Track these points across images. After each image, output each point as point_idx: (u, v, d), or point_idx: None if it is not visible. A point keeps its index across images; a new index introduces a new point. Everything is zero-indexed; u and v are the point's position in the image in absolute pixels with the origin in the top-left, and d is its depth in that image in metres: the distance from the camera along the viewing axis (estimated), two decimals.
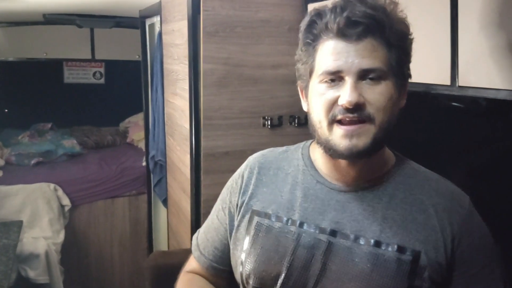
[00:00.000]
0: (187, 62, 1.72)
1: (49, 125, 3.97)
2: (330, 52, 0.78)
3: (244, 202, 0.92)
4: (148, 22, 2.72)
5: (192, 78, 1.67)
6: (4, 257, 1.89)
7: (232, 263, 0.94)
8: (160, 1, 2.19)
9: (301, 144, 0.96)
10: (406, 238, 0.78)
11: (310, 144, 0.94)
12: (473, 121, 1.18)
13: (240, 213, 0.92)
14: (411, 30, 0.83)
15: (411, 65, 1.21)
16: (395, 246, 0.78)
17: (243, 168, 0.98)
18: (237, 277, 0.91)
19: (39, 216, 2.81)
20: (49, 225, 2.80)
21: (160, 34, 2.28)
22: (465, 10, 1.05)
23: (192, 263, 1.03)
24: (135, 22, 2.85)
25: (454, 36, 1.08)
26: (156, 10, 2.31)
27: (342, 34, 0.77)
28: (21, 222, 2.30)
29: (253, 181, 0.93)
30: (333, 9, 0.78)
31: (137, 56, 3.16)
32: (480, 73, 1.02)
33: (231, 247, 0.94)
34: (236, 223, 0.93)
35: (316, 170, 0.89)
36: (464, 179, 1.21)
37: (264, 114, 1.71)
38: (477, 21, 1.03)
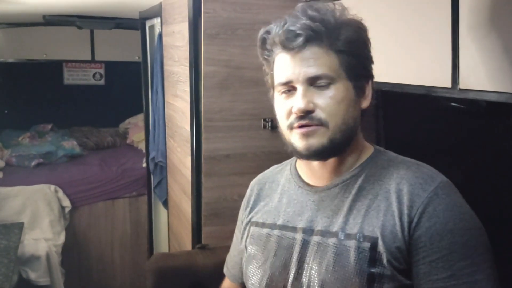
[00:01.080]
0: (187, 64, 1.72)
1: (49, 126, 3.97)
2: (281, 65, 0.85)
3: (246, 216, 1.02)
4: (148, 23, 2.72)
5: (193, 80, 1.67)
6: (5, 259, 1.89)
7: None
8: (161, 3, 2.20)
9: (294, 157, 1.01)
10: (366, 226, 0.80)
11: None
12: (474, 123, 1.18)
13: (243, 227, 1.01)
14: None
15: (413, 67, 1.22)
16: (356, 236, 0.80)
17: (248, 189, 1.07)
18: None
19: (39, 217, 2.81)
20: (50, 227, 2.80)
21: (160, 35, 2.28)
22: (466, 12, 1.06)
23: (226, 281, 1.12)
24: (135, 24, 2.85)
25: (455, 38, 1.09)
26: (156, 12, 2.31)
27: (285, 46, 0.83)
28: (22, 224, 2.30)
29: (253, 198, 1.02)
30: (278, 24, 0.84)
31: (137, 57, 3.16)
32: (481, 75, 1.03)
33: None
34: (241, 236, 1.03)
35: (299, 177, 0.95)
36: (464, 180, 1.21)
37: (265, 116, 1.71)
38: (478, 24, 1.03)
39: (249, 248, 0.95)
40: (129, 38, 3.52)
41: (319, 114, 0.81)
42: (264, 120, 1.71)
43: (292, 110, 0.82)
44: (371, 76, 0.88)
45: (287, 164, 1.03)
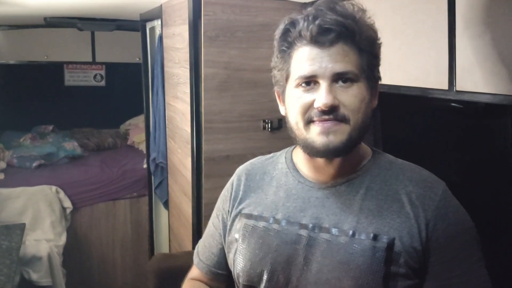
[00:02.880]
0: (188, 66, 1.73)
1: (51, 128, 3.98)
2: (305, 58, 0.83)
3: (234, 207, 0.98)
4: (148, 25, 2.73)
5: (193, 82, 1.69)
6: (7, 260, 1.90)
7: (229, 265, 0.99)
8: (161, 5, 2.21)
9: (286, 149, 1.02)
10: (381, 226, 0.82)
11: (293, 148, 0.99)
12: (470, 125, 1.19)
13: (231, 218, 0.98)
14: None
15: (410, 69, 1.23)
16: (371, 235, 0.81)
17: (233, 178, 1.04)
18: (234, 278, 0.97)
19: (41, 218, 2.82)
20: (51, 228, 2.81)
21: (160, 37, 2.30)
22: (463, 15, 1.07)
23: (194, 270, 1.08)
24: (136, 25, 2.87)
25: (451, 41, 1.10)
26: (157, 14, 2.32)
27: (315, 41, 0.81)
28: (24, 224, 2.31)
29: (241, 188, 0.99)
30: (306, 17, 0.83)
31: (138, 59, 3.17)
32: (477, 78, 1.04)
33: (226, 250, 1.00)
34: (228, 227, 0.99)
35: (297, 171, 0.94)
36: (460, 180, 1.22)
37: (264, 117, 1.73)
38: (474, 27, 1.04)
39: (240, 240, 0.92)
40: (130, 39, 3.53)
41: (343, 110, 0.81)
42: (264, 121, 1.73)
43: (315, 105, 0.81)
44: (380, 77, 0.90)
45: (278, 156, 1.01)
